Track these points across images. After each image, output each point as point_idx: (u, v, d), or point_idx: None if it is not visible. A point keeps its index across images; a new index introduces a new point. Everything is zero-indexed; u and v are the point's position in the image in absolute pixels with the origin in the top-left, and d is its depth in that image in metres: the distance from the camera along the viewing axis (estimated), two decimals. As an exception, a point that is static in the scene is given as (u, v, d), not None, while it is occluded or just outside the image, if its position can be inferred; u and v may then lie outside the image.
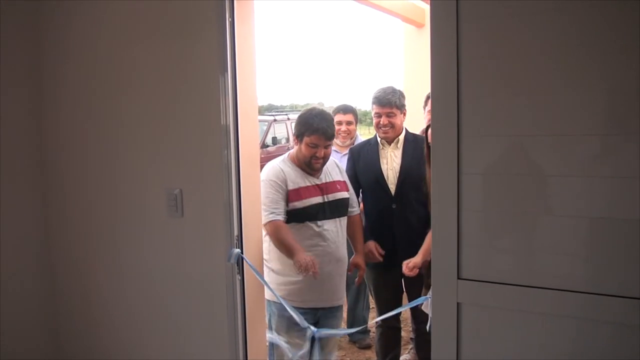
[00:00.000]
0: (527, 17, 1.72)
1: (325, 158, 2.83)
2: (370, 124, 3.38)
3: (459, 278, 1.88)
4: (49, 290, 2.81)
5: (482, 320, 1.88)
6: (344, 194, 2.92)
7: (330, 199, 2.84)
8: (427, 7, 4.60)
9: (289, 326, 2.74)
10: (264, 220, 2.73)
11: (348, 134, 3.96)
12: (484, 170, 1.83)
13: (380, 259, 3.04)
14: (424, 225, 2.94)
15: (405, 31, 5.08)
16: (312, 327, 2.70)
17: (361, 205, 3.25)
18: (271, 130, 11.88)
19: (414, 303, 2.47)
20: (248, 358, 2.46)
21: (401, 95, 3.16)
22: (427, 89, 2.09)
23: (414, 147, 3.09)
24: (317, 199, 2.80)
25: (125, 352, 2.70)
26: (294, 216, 2.74)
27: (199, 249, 2.43)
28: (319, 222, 2.77)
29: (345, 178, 3.01)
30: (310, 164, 2.80)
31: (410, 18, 4.73)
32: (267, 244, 2.82)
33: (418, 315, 3.08)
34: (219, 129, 2.30)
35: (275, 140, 11.74)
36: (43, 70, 2.71)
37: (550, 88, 1.72)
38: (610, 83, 1.64)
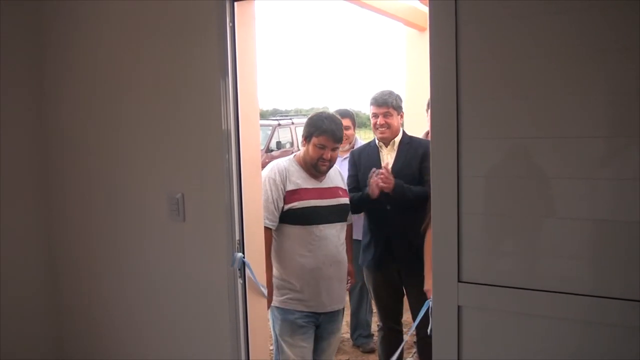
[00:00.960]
0: (527, 19, 1.72)
1: (332, 161, 2.83)
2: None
3: (459, 281, 1.87)
4: (51, 293, 2.82)
5: (483, 323, 1.87)
6: (345, 200, 2.92)
7: (333, 204, 2.84)
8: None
9: (292, 330, 2.74)
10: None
11: (347, 138, 3.96)
12: (484, 172, 1.83)
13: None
14: (419, 225, 2.95)
15: (408, 35, 5.09)
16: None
17: None
18: (275, 134, 11.89)
19: (422, 311, 2.45)
20: (250, 362, 2.46)
21: (398, 98, 3.19)
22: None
23: (408, 149, 3.12)
24: (318, 202, 2.79)
25: (127, 355, 2.70)
26: (294, 217, 2.73)
27: (200, 253, 2.44)
28: (320, 226, 2.77)
29: (346, 187, 3.02)
30: (316, 166, 2.80)
31: (412, 22, 4.73)
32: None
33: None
34: (220, 134, 2.31)
35: (279, 145, 11.75)
36: (44, 76, 2.74)
37: (550, 90, 1.71)
38: (612, 84, 1.64)
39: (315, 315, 2.81)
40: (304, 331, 2.73)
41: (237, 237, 2.36)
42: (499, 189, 1.82)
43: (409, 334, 3.15)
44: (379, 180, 2.90)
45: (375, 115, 3.17)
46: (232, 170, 2.32)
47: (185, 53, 2.37)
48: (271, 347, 3.05)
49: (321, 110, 3.04)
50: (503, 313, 1.84)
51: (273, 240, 2.79)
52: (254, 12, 2.46)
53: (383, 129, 3.14)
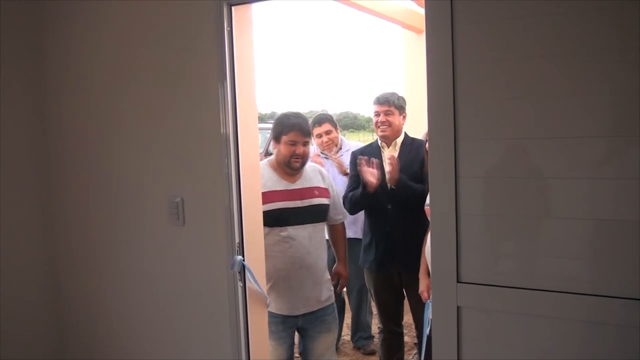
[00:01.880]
0: (523, 20, 1.72)
1: (305, 157, 2.84)
2: (372, 130, 3.43)
3: (458, 282, 1.88)
4: (51, 296, 2.82)
5: (482, 323, 1.88)
6: (321, 200, 2.90)
7: (306, 205, 2.83)
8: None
9: (270, 332, 2.72)
10: None
11: (331, 142, 3.97)
12: (482, 173, 1.83)
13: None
14: (420, 226, 2.96)
15: (405, 37, 5.10)
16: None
17: None
18: (273, 138, 11.86)
19: (426, 313, 2.46)
20: (251, 365, 2.47)
21: (401, 98, 3.22)
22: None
23: (410, 149, 3.14)
24: (286, 204, 2.78)
25: (127, 358, 2.70)
26: (265, 219, 2.69)
27: (200, 256, 2.44)
28: (289, 228, 2.76)
29: (329, 185, 3.00)
30: (289, 164, 2.81)
31: (410, 24, 4.74)
32: None
33: (419, 320, 3.08)
34: (219, 137, 2.32)
35: (278, 148, 11.72)
36: (43, 81, 2.74)
37: (548, 90, 1.72)
38: (611, 85, 1.64)
39: (291, 317, 2.80)
40: (277, 335, 2.73)
41: (237, 240, 2.37)
42: (497, 189, 1.82)
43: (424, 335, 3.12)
44: (382, 169, 2.89)
45: (377, 114, 3.20)
46: (231, 174, 2.33)
47: (183, 57, 2.38)
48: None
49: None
50: (503, 313, 1.84)
51: None
52: (252, 15, 2.47)
53: (384, 126, 3.16)
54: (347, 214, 3.18)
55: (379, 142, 3.23)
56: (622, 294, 1.67)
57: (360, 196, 3.08)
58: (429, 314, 2.35)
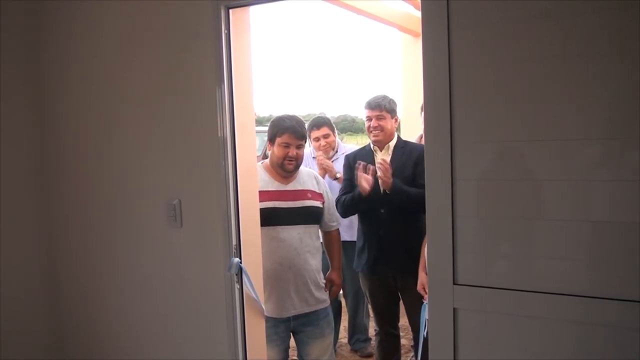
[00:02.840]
0: (520, 23, 1.74)
1: (298, 159, 2.85)
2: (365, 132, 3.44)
3: (454, 284, 1.89)
4: (50, 297, 2.83)
5: (478, 325, 1.88)
6: (314, 203, 2.90)
7: (297, 205, 2.84)
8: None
9: (268, 326, 2.72)
10: None
11: (329, 145, 3.97)
12: (478, 176, 1.84)
13: None
14: (413, 229, 2.99)
15: (402, 40, 5.11)
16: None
17: None
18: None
19: (423, 315, 2.46)
20: (248, 367, 2.47)
21: (392, 102, 3.20)
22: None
23: (402, 153, 3.13)
24: (276, 203, 2.79)
25: (126, 359, 2.71)
26: (261, 219, 2.70)
27: (198, 258, 2.45)
28: (278, 228, 2.77)
29: (323, 191, 3.00)
30: (283, 165, 2.82)
31: (407, 27, 4.75)
32: None
33: (415, 323, 3.09)
34: (217, 141, 2.33)
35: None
36: (42, 84, 2.74)
37: (543, 93, 1.73)
38: (606, 87, 1.66)
39: (283, 320, 2.80)
40: (270, 338, 2.72)
41: (234, 242, 2.37)
42: (493, 191, 1.83)
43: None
44: (376, 174, 2.89)
45: (369, 119, 3.20)
46: (228, 176, 2.34)
47: (181, 60, 2.39)
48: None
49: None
50: (499, 315, 1.85)
51: None
52: (249, 18, 2.48)
53: (377, 131, 3.16)
54: (341, 219, 3.18)
55: (372, 145, 3.24)
56: (617, 296, 1.68)
57: (352, 199, 3.09)
58: (425, 315, 2.35)
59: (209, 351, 2.46)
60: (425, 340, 2.68)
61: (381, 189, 3.04)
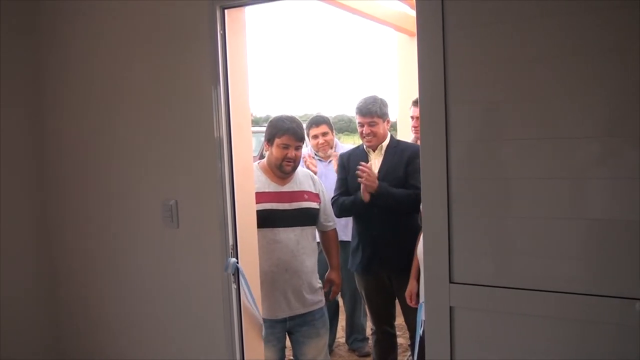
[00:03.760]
0: (515, 22, 1.74)
1: (297, 160, 2.85)
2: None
3: (451, 282, 1.89)
4: (47, 297, 2.82)
5: (475, 323, 1.89)
6: (311, 204, 2.90)
7: (294, 207, 2.84)
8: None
9: (264, 327, 2.70)
10: None
11: (327, 144, 3.99)
12: (473, 174, 1.85)
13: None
14: (407, 228, 3.00)
15: (398, 40, 5.12)
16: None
17: None
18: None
19: (420, 315, 2.47)
20: (245, 367, 2.47)
21: (382, 104, 3.21)
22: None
23: (394, 152, 3.15)
24: (273, 205, 2.79)
25: (123, 359, 2.71)
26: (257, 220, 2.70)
27: (194, 258, 2.45)
28: (275, 229, 2.77)
29: (319, 191, 3.00)
30: (281, 167, 2.82)
31: (403, 27, 4.75)
32: None
33: (411, 322, 3.10)
34: (213, 141, 2.33)
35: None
36: (39, 84, 2.74)
37: (540, 92, 1.74)
38: (603, 86, 1.66)
39: (279, 320, 2.80)
40: (266, 338, 2.71)
41: (231, 242, 2.37)
42: (489, 190, 1.84)
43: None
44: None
45: (361, 125, 3.21)
46: (224, 177, 2.34)
47: (176, 61, 2.39)
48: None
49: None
50: (495, 313, 1.86)
51: None
52: (245, 19, 2.48)
53: (369, 137, 3.19)
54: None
55: (365, 146, 3.26)
56: (615, 294, 1.68)
57: (352, 205, 3.10)
58: (421, 314, 2.36)
59: (207, 351, 2.46)
60: (422, 338, 2.69)
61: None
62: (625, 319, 1.67)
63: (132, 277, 2.63)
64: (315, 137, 3.98)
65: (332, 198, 3.20)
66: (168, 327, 2.56)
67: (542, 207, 1.77)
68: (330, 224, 3.07)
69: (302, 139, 2.87)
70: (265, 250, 2.74)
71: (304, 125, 3.49)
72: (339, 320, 4.24)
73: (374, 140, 3.18)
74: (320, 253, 3.13)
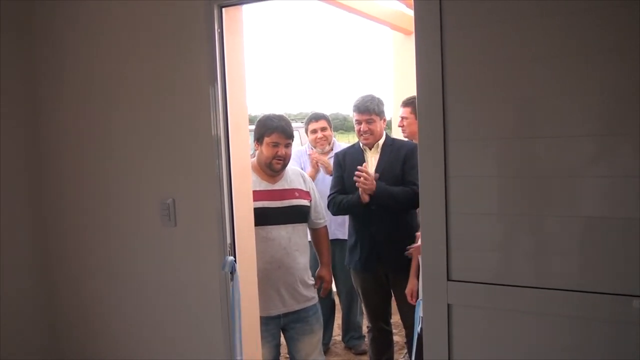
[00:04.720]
0: (512, 22, 1.75)
1: (287, 158, 2.86)
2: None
3: (449, 280, 1.90)
4: (44, 297, 2.81)
5: (473, 321, 1.90)
6: (301, 202, 2.92)
7: (285, 205, 2.85)
8: (414, 15, 4.63)
9: (261, 323, 2.74)
10: None
11: (325, 139, 4.00)
12: (471, 173, 1.86)
13: None
14: (404, 225, 3.01)
15: (394, 38, 5.13)
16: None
17: None
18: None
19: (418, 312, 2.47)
20: (243, 365, 2.47)
21: (379, 103, 3.23)
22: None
23: (391, 151, 3.17)
24: (264, 204, 2.79)
25: (121, 358, 2.71)
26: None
27: (192, 257, 2.45)
28: (268, 227, 2.78)
29: (310, 189, 3.01)
30: (271, 165, 2.83)
31: (399, 25, 4.77)
32: None
33: (407, 320, 3.11)
34: (210, 140, 2.32)
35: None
36: (35, 83, 2.73)
37: (537, 90, 1.75)
38: (600, 85, 1.67)
39: (273, 317, 2.81)
40: (262, 335, 2.72)
41: (228, 240, 2.37)
42: (486, 188, 1.85)
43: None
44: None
45: (359, 122, 3.23)
46: (222, 175, 2.34)
47: (174, 59, 2.38)
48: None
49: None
50: (493, 311, 1.87)
51: None
52: (242, 17, 2.48)
53: (366, 135, 3.20)
54: (327, 218, 3.19)
55: (361, 144, 3.27)
56: (611, 290, 1.70)
57: (349, 204, 3.11)
58: (419, 312, 2.37)
59: (204, 349, 2.47)
60: (420, 336, 2.70)
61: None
62: (623, 316, 1.68)
63: (129, 276, 2.63)
64: (314, 131, 4.00)
65: (329, 196, 3.21)
66: (166, 325, 2.56)
67: (539, 205, 1.78)
68: (321, 221, 3.08)
69: (291, 137, 2.88)
70: (259, 248, 2.74)
71: (304, 122, 3.49)
72: (335, 318, 4.25)
73: (370, 138, 3.20)
74: (311, 249, 3.14)
